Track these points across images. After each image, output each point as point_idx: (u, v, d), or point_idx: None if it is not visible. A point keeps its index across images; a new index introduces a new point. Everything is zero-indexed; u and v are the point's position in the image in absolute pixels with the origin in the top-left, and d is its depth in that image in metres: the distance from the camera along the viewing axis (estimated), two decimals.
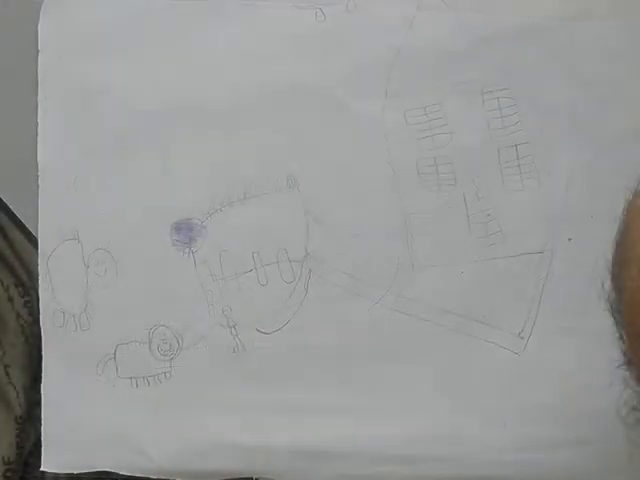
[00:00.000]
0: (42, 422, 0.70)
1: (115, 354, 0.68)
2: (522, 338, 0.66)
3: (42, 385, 0.70)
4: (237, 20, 0.67)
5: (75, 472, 0.70)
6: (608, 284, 0.44)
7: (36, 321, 0.71)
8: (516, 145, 0.65)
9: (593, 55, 0.64)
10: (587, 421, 0.65)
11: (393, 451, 0.67)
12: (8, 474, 0.74)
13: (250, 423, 0.68)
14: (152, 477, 0.68)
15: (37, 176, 0.70)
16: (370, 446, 0.67)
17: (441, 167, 0.65)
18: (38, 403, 0.71)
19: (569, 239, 0.65)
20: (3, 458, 0.74)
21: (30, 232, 0.71)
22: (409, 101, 0.65)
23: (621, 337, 0.43)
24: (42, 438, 0.70)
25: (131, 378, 0.68)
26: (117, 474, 0.69)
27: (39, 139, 0.69)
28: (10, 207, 0.72)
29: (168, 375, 0.68)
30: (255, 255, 0.67)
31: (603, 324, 0.44)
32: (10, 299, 0.75)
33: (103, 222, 0.69)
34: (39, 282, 0.70)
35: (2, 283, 0.75)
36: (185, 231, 0.68)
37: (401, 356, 0.67)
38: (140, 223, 0.68)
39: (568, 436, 0.65)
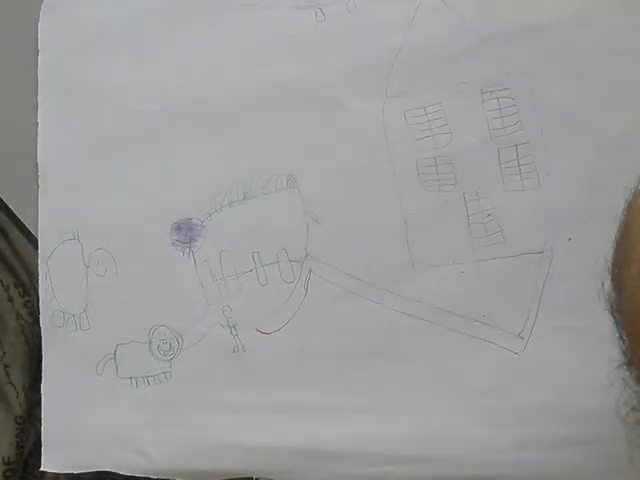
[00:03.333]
0: (42, 422, 0.70)
1: (115, 354, 0.68)
2: (522, 338, 0.66)
3: (42, 385, 0.70)
4: (237, 20, 0.67)
5: (75, 472, 0.70)
6: (608, 284, 0.44)
7: (36, 321, 0.71)
8: (516, 145, 0.65)
9: (593, 55, 0.64)
10: (587, 421, 0.64)
11: (393, 451, 0.67)
12: (8, 474, 0.74)
13: (250, 423, 0.68)
14: (152, 477, 0.68)
15: (37, 176, 0.70)
16: (370, 446, 0.67)
17: (441, 167, 0.65)
18: (38, 403, 0.71)
19: (569, 239, 0.65)
20: (3, 458, 0.74)
21: (30, 232, 0.71)
22: (409, 101, 0.65)
23: (621, 337, 0.43)
24: (42, 438, 0.70)
25: (131, 378, 0.68)
26: (117, 474, 0.69)
27: (39, 139, 0.69)
28: (10, 207, 0.72)
29: (168, 375, 0.68)
30: (255, 255, 0.67)
31: (603, 324, 0.44)
32: (10, 299, 0.75)
33: (103, 222, 0.69)
34: (39, 282, 0.70)
35: (2, 283, 0.75)
36: (185, 231, 0.68)
37: (401, 356, 0.67)
38: (140, 223, 0.68)
39: (568, 436, 0.65)
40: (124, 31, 0.68)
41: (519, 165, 0.65)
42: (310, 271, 0.67)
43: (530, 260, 0.65)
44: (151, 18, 0.68)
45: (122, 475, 0.69)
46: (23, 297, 0.76)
